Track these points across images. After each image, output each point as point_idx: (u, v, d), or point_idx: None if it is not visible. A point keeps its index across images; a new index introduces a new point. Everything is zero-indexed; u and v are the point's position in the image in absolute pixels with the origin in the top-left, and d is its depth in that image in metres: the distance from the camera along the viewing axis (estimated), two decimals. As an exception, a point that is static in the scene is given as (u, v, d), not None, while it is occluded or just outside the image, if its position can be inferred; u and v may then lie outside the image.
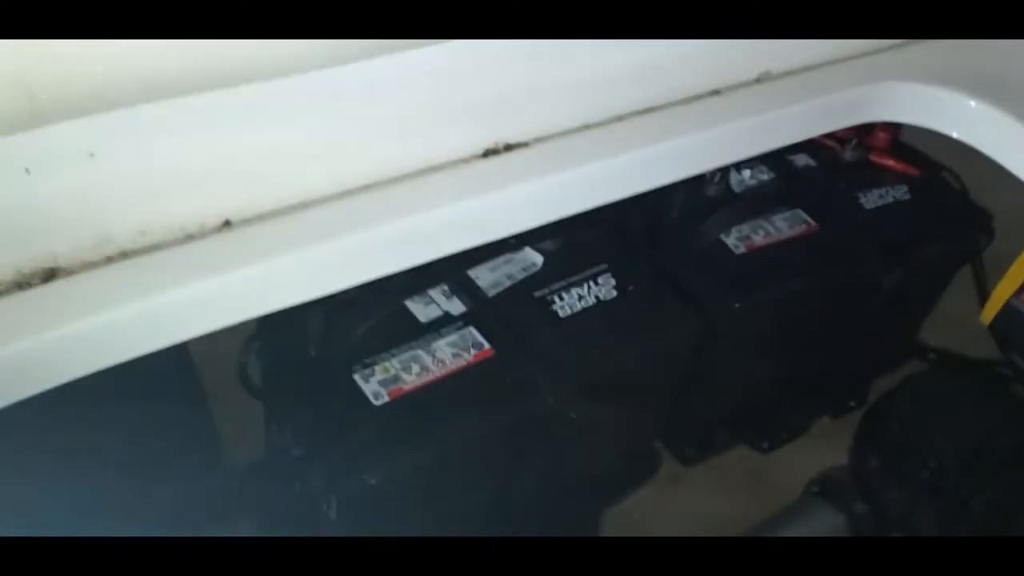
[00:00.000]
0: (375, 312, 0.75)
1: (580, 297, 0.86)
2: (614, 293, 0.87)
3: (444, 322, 0.81)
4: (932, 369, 1.21)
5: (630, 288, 0.88)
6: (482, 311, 0.83)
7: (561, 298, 0.85)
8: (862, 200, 1.05)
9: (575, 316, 0.84)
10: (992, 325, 1.14)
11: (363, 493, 0.71)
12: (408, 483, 0.73)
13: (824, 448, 1.13)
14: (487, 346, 0.79)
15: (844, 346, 1.08)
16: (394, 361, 0.76)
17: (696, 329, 0.89)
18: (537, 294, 0.85)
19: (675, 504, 1.04)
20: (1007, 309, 1.10)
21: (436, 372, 0.76)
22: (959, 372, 1.17)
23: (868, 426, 1.12)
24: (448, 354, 0.78)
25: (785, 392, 1.13)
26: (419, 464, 0.72)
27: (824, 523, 0.97)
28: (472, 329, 0.80)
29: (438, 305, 0.83)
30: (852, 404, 1.19)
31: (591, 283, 0.87)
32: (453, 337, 0.79)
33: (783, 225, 1.00)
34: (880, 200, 1.05)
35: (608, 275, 0.88)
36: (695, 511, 1.04)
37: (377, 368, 0.75)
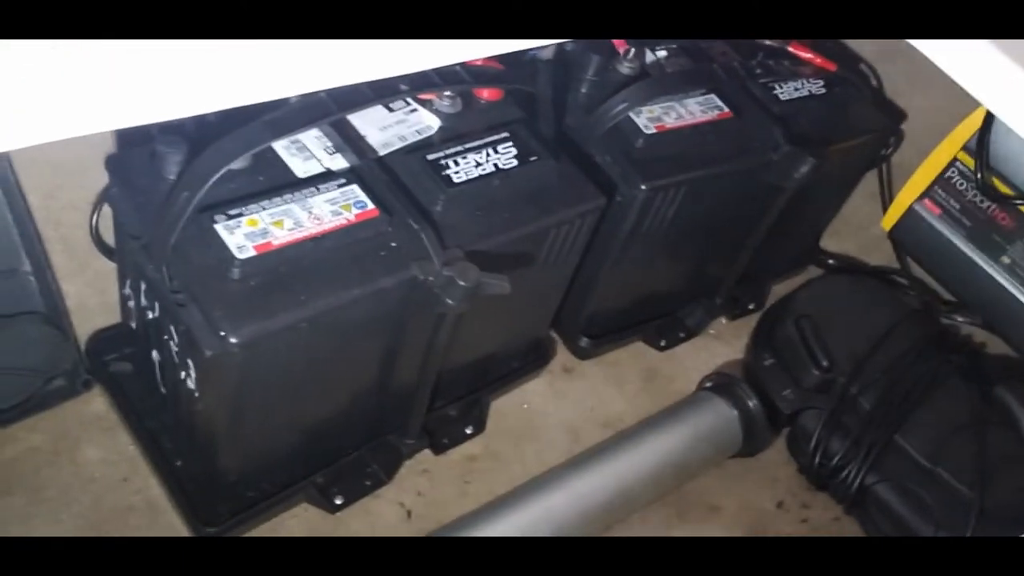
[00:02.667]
0: (243, 158, 0.65)
1: (477, 164, 0.79)
2: (515, 163, 0.80)
3: (325, 178, 0.73)
4: (830, 273, 1.20)
5: (532, 159, 0.81)
6: (369, 170, 0.75)
7: (456, 163, 0.78)
8: (778, 91, 1.01)
9: (471, 182, 0.77)
10: (892, 231, 1.13)
11: (224, 358, 0.64)
12: (275, 347, 0.66)
13: (721, 349, 1.11)
14: (371, 206, 0.72)
15: (747, 245, 1.05)
16: (263, 214, 0.67)
17: (599, 208, 0.84)
18: (431, 156, 0.78)
19: (567, 397, 1.00)
20: (909, 214, 1.09)
21: (311, 229, 0.68)
22: (856, 277, 1.16)
23: (765, 326, 1.11)
24: (326, 211, 0.70)
25: (684, 289, 1.10)
26: (287, 326, 0.65)
27: (716, 417, 0.95)
28: (356, 187, 0.72)
29: (319, 161, 0.74)
30: (751, 307, 1.17)
31: (490, 150, 0.80)
32: (333, 194, 0.71)
33: (696, 109, 0.95)
34: (796, 92, 1.02)
35: (509, 143, 0.82)
36: (587, 405, 1.00)
37: (243, 220, 0.66)
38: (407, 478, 0.89)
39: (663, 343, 1.10)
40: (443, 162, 0.78)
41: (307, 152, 0.75)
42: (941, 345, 1.09)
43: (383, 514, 0.86)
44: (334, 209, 0.70)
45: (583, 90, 0.93)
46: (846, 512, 0.98)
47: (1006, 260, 1.01)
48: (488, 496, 0.87)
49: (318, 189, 0.71)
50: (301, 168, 0.73)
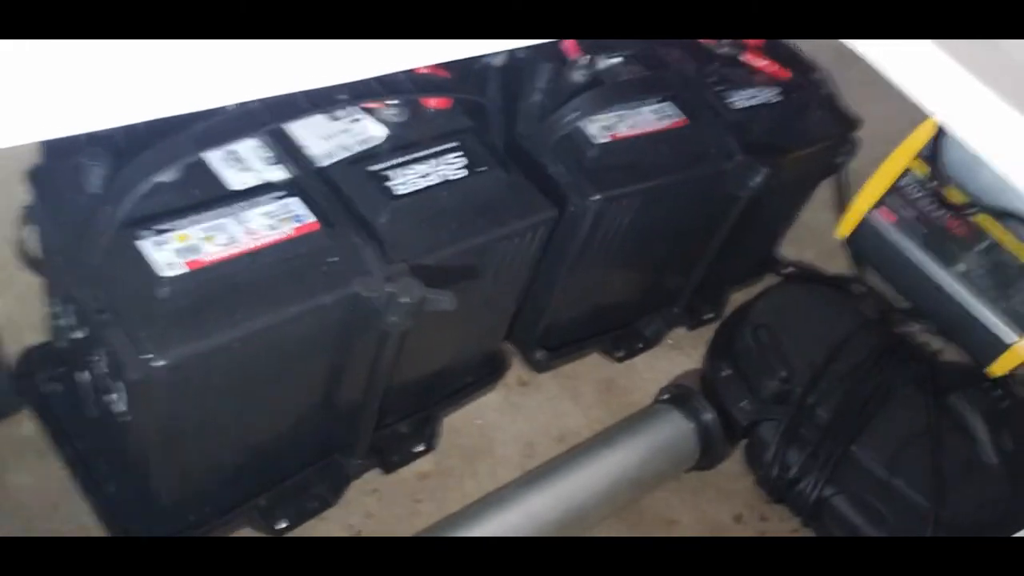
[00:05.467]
0: (173, 170, 0.63)
1: (424, 175, 0.76)
2: (463, 173, 0.78)
3: (262, 191, 0.70)
4: (787, 282, 1.19)
5: (481, 169, 0.79)
6: (309, 182, 0.72)
7: (401, 174, 0.76)
8: (733, 99, 1.00)
9: (416, 194, 0.75)
10: (848, 240, 1.13)
11: (152, 380, 0.61)
12: (207, 368, 0.63)
13: (679, 359, 1.10)
14: (311, 219, 0.69)
15: (703, 254, 1.04)
16: (195, 228, 0.64)
17: (551, 219, 0.82)
18: (373, 168, 0.75)
19: (522, 411, 0.98)
20: (864, 223, 1.09)
21: (246, 244, 0.65)
22: (813, 286, 1.16)
23: (722, 336, 1.10)
24: (263, 225, 0.67)
25: (641, 300, 1.08)
26: (220, 347, 0.62)
27: (673, 430, 0.93)
28: (295, 200, 0.70)
29: (257, 172, 0.72)
30: (709, 316, 1.16)
31: (438, 160, 0.78)
32: (271, 207, 0.68)
33: (651, 117, 0.93)
34: (751, 100, 1.01)
35: (458, 153, 0.79)
36: (543, 419, 0.98)
37: (173, 235, 0.63)
38: (355, 499, 0.86)
39: (620, 354, 1.08)
40: (386, 173, 0.75)
41: (244, 163, 0.72)
42: (896, 354, 1.08)
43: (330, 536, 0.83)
44: (271, 223, 0.67)
45: (535, 98, 0.91)
46: (804, 524, 0.97)
47: (960, 268, 1.01)
48: (439, 515, 0.85)
49: (255, 202, 0.68)
50: (237, 180, 0.70)
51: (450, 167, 0.78)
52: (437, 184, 0.76)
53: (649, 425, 0.94)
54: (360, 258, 0.69)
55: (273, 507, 0.81)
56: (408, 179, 0.75)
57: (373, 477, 0.88)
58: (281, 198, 0.69)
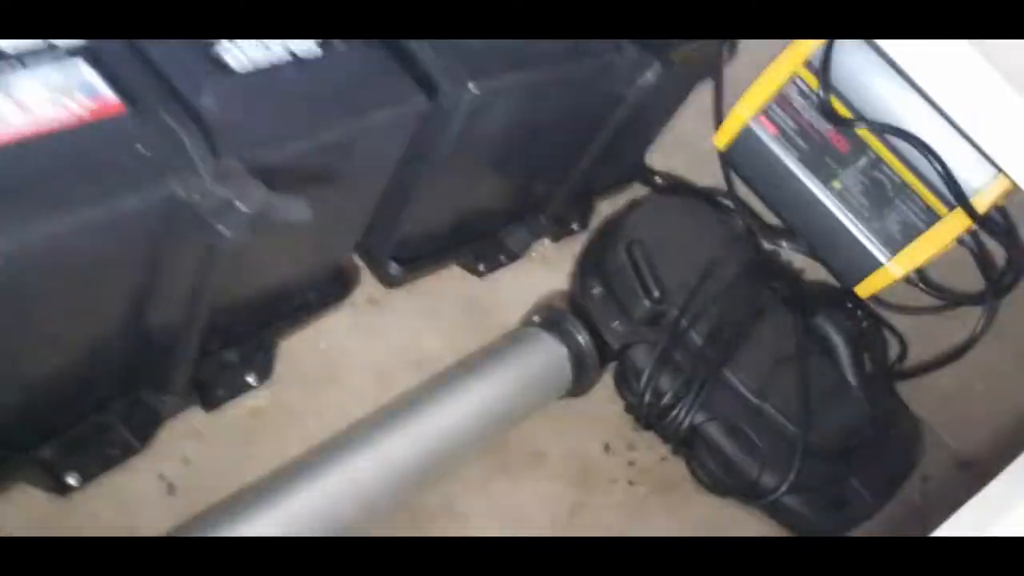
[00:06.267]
0: None
1: (267, 47, 0.60)
2: (317, 51, 0.62)
3: (39, 53, 0.51)
4: (657, 194, 1.12)
5: (340, 47, 0.63)
6: (107, 46, 0.54)
7: (237, 45, 0.59)
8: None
9: (257, 73, 0.58)
10: (725, 150, 1.06)
11: None
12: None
13: (545, 275, 1.00)
14: (110, 95, 0.51)
15: (579, 159, 0.94)
16: (-65, 98, 0.46)
17: (422, 111, 0.68)
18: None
19: (374, 334, 0.85)
20: (744, 133, 1.02)
21: (17, 126, 0.47)
22: (686, 199, 1.09)
23: (593, 251, 1.01)
24: (41, 99, 0.49)
25: (506, 208, 0.97)
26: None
27: (546, 355, 0.84)
28: (87, 67, 0.52)
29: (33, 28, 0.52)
30: (575, 227, 1.07)
31: (282, 29, 0.61)
32: (53, 75, 0.50)
33: (532, -4, 0.79)
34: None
35: (308, 23, 0.63)
36: (398, 342, 0.86)
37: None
38: (169, 443, 0.71)
39: (482, 268, 0.97)
40: (218, 42, 0.58)
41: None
42: (766, 272, 1.05)
43: (136, 490, 0.68)
44: (53, 97, 0.49)
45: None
46: (673, 452, 0.92)
47: (837, 185, 0.97)
48: (277, 460, 0.72)
49: (29, 67, 0.50)
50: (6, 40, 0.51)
51: (300, 42, 0.62)
52: (284, 62, 0.60)
53: (520, 351, 0.84)
54: (179, 150, 0.52)
55: (61, 459, 0.65)
56: (244, 51, 0.59)
57: (193, 416, 0.73)
58: (68, 65, 0.51)
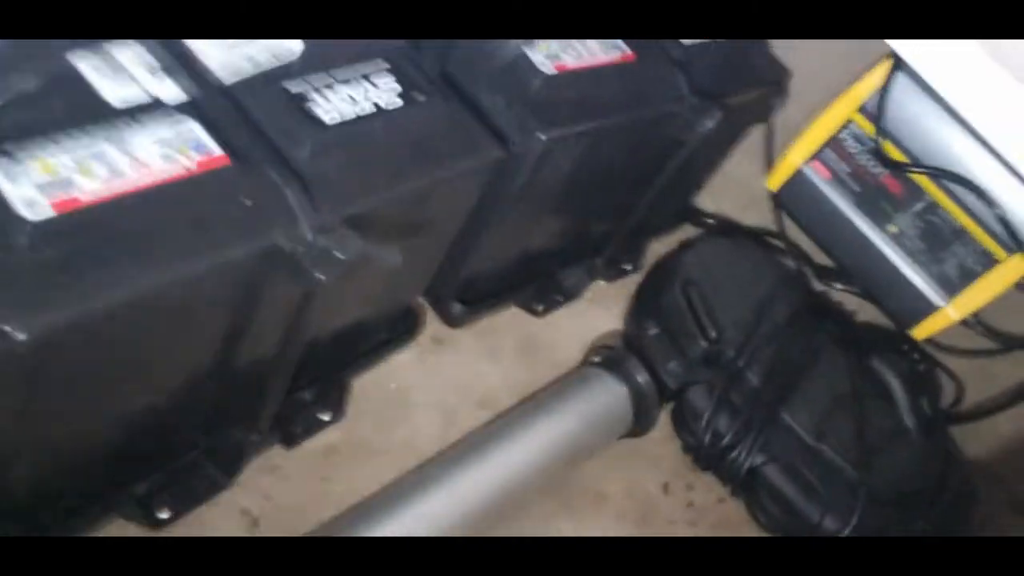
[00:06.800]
0: (26, 71, 0.47)
1: (353, 100, 0.63)
2: (398, 102, 0.65)
3: (150, 110, 0.55)
4: (711, 235, 1.13)
5: (419, 98, 0.66)
6: (211, 102, 0.57)
7: (327, 98, 0.62)
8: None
9: (346, 125, 0.61)
10: (778, 193, 1.08)
11: (8, 357, 0.46)
12: (82, 339, 0.49)
13: (600, 314, 1.02)
14: (218, 151, 0.54)
15: (638, 202, 0.96)
16: (63, 156, 0.49)
17: (497, 160, 0.71)
18: (292, 88, 0.61)
19: (439, 372, 0.88)
20: (797, 176, 1.04)
21: (134, 179, 0.50)
22: (738, 240, 1.10)
23: (648, 292, 1.02)
24: (154, 155, 0.52)
25: (565, 250, 0.99)
26: (101, 313, 0.48)
27: (608, 396, 0.86)
28: (195, 123, 0.55)
29: (139, 84, 0.56)
30: (627, 268, 1.08)
31: (368, 84, 0.65)
32: (164, 132, 0.53)
33: (596, 47, 0.82)
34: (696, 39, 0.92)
35: (391, 76, 0.66)
36: (461, 381, 0.88)
37: (30, 162, 0.48)
38: (252, 479, 0.73)
39: (540, 308, 0.99)
40: (309, 95, 0.61)
41: (124, 73, 0.56)
42: (819, 313, 1.05)
43: (222, 526, 0.70)
44: (166, 153, 0.53)
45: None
46: (732, 494, 0.93)
47: (892, 229, 0.98)
48: (353, 496, 0.74)
49: (143, 124, 0.53)
50: (116, 93, 0.54)
51: (382, 93, 0.65)
52: (370, 114, 0.63)
53: (582, 391, 0.86)
54: (281, 202, 0.55)
55: (153, 494, 0.67)
56: (334, 105, 0.62)
57: (273, 453, 0.75)
58: (177, 121, 0.54)
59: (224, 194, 0.54)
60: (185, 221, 0.52)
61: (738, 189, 1.19)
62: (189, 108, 0.56)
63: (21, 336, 0.44)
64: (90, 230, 0.47)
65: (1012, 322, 1.00)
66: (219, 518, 0.70)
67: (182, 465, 0.68)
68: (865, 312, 1.12)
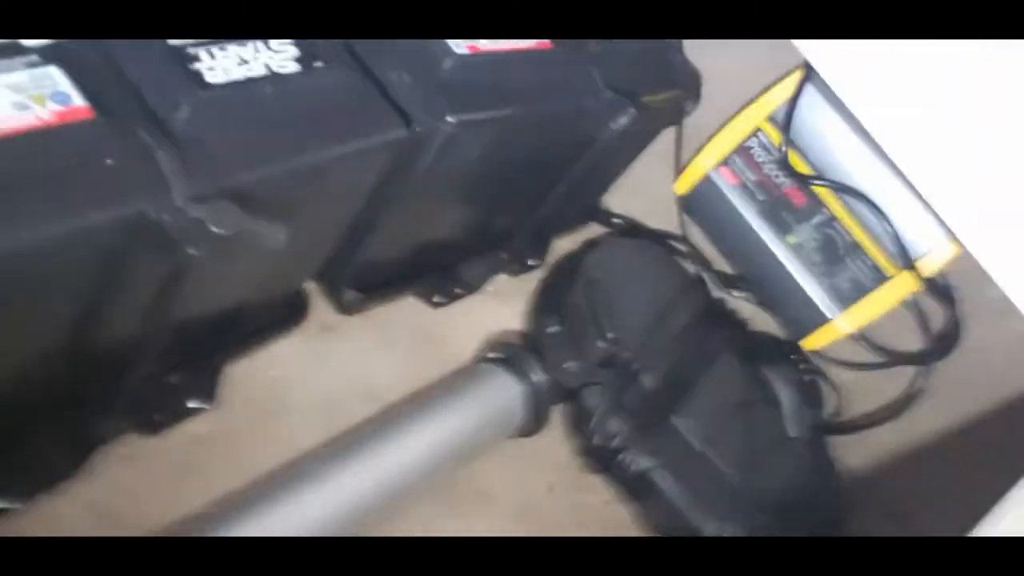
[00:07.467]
0: None
1: (242, 60, 0.58)
2: (296, 67, 0.60)
3: (7, 53, 0.48)
4: (616, 235, 1.12)
5: (317, 65, 0.61)
6: (78, 51, 0.51)
7: (211, 55, 0.56)
8: (596, 25, 0.88)
9: (233, 86, 0.56)
10: (685, 197, 1.07)
11: None
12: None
13: (499, 309, 0.99)
14: (81, 102, 0.48)
15: (545, 197, 0.93)
16: None
17: (398, 141, 0.66)
18: (176, 43, 0.55)
19: (326, 362, 0.83)
20: (705, 182, 1.03)
21: (-21, 128, 0.44)
22: (643, 242, 1.09)
23: (550, 289, 1.00)
24: (6, 103, 0.46)
25: (468, 241, 0.96)
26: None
27: (501, 393, 0.83)
28: (56, 70, 0.49)
29: (-3, 23, 0.49)
30: (532, 263, 1.06)
31: (261, 44, 0.59)
32: (19, 76, 0.47)
33: (512, 31, 0.79)
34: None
35: (289, 42, 0.61)
36: (350, 372, 0.83)
37: None
38: (104, 470, 0.66)
39: (437, 299, 0.95)
40: (192, 52, 0.56)
41: (-24, 6, 0.49)
42: (717, 320, 1.05)
43: (67, 518, 0.64)
44: (19, 100, 0.46)
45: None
46: (618, 497, 0.92)
47: (792, 240, 0.99)
48: (219, 491, 0.68)
49: (-8, 65, 0.47)
50: (-35, 29, 0.48)
51: (277, 56, 0.60)
52: (261, 76, 0.58)
53: (474, 387, 0.82)
54: (151, 166, 0.50)
55: (-10, 481, 0.60)
56: (220, 63, 0.56)
57: (130, 441, 0.69)
58: (35, 66, 0.48)
59: (85, 152, 0.48)
60: (38, 179, 0.46)
61: (646, 191, 1.18)
62: (52, 52, 0.49)
63: None
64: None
65: (895, 338, 1.03)
66: (64, 510, 0.63)
67: (23, 453, 0.61)
68: (759, 321, 1.13)
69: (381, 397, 0.83)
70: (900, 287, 0.95)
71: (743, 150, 0.99)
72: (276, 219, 0.54)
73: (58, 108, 0.47)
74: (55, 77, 0.48)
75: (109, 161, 0.48)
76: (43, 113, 0.46)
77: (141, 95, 0.52)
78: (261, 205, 0.54)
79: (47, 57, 0.49)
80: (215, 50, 0.57)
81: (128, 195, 0.48)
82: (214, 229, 0.50)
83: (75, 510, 0.64)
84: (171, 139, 0.51)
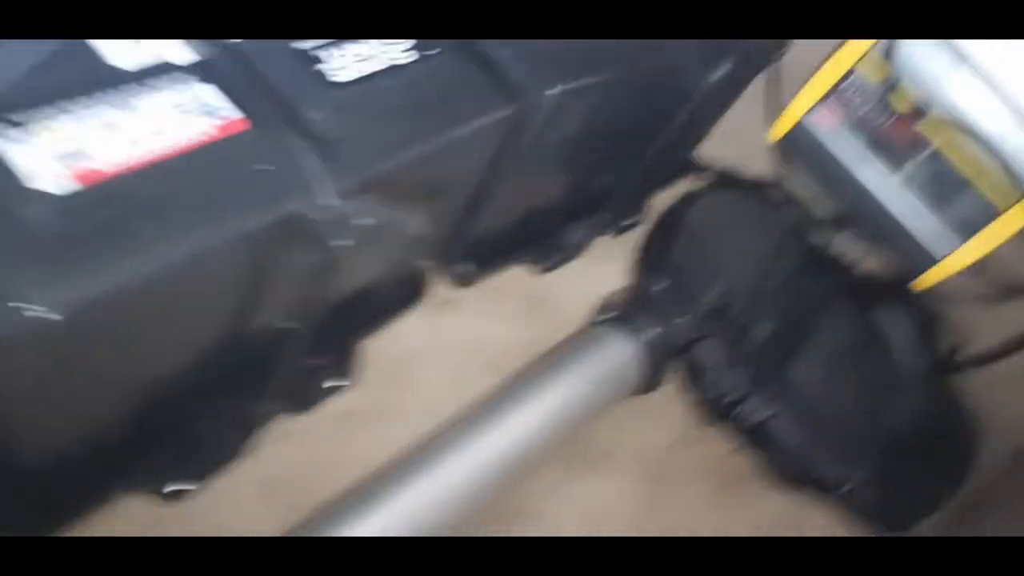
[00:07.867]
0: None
1: (364, 57, 0.61)
2: (413, 56, 0.63)
3: (161, 73, 0.52)
4: (714, 187, 1.12)
5: (432, 52, 0.64)
6: (222, 63, 0.55)
7: (334, 56, 0.59)
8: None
9: (359, 82, 0.59)
10: (781, 141, 1.06)
11: (31, 336, 0.44)
12: (103, 318, 0.47)
13: (604, 270, 1.01)
14: (238, 114, 0.52)
15: (643, 155, 0.94)
16: (76, 123, 0.46)
17: (509, 118, 0.69)
18: (299, 45, 0.59)
19: (447, 333, 0.87)
20: (801, 124, 1.02)
21: (152, 147, 0.48)
22: (741, 192, 1.09)
23: (655, 246, 1.02)
24: (172, 120, 0.50)
25: (571, 205, 0.98)
26: (132, 290, 0.46)
27: (617, 352, 0.85)
28: (209, 87, 0.52)
29: (149, 47, 0.53)
30: (631, 222, 1.07)
31: (374, 41, 0.62)
32: (179, 96, 0.51)
33: (605, -2, 0.80)
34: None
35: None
36: (470, 341, 0.87)
37: (49, 134, 0.45)
38: (269, 447, 0.72)
39: (546, 265, 0.98)
40: (317, 54, 0.59)
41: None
42: (822, 266, 1.05)
43: (239, 496, 0.69)
44: (183, 118, 0.50)
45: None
46: (741, 446, 0.94)
47: (896, 179, 0.97)
48: (370, 460, 0.73)
49: (155, 89, 0.51)
50: (124, 56, 0.52)
51: (394, 48, 0.62)
52: (382, 70, 0.61)
53: (592, 351, 0.85)
54: (299, 167, 0.53)
55: (165, 467, 0.66)
56: (345, 62, 0.59)
57: (288, 420, 0.74)
58: (191, 84, 0.52)
59: (241, 160, 0.52)
60: (207, 189, 0.50)
61: (740, 140, 1.17)
62: (201, 70, 0.53)
63: (56, 316, 0.42)
64: (114, 202, 0.45)
65: (1010, 271, 1.01)
66: (236, 487, 0.69)
67: (198, 436, 0.67)
68: (867, 263, 1.12)
69: (502, 363, 0.86)
70: (1012, 221, 0.93)
71: (840, 91, 0.98)
72: (410, 205, 0.58)
73: (219, 122, 0.51)
74: (212, 93, 0.52)
75: (267, 167, 0.52)
76: (207, 128, 0.50)
77: (284, 101, 0.55)
78: (397, 193, 0.57)
79: (198, 73, 0.53)
80: (334, 51, 0.60)
81: (284, 197, 0.52)
82: (359, 222, 0.53)
83: (243, 488, 0.70)
84: (314, 140, 0.55)
